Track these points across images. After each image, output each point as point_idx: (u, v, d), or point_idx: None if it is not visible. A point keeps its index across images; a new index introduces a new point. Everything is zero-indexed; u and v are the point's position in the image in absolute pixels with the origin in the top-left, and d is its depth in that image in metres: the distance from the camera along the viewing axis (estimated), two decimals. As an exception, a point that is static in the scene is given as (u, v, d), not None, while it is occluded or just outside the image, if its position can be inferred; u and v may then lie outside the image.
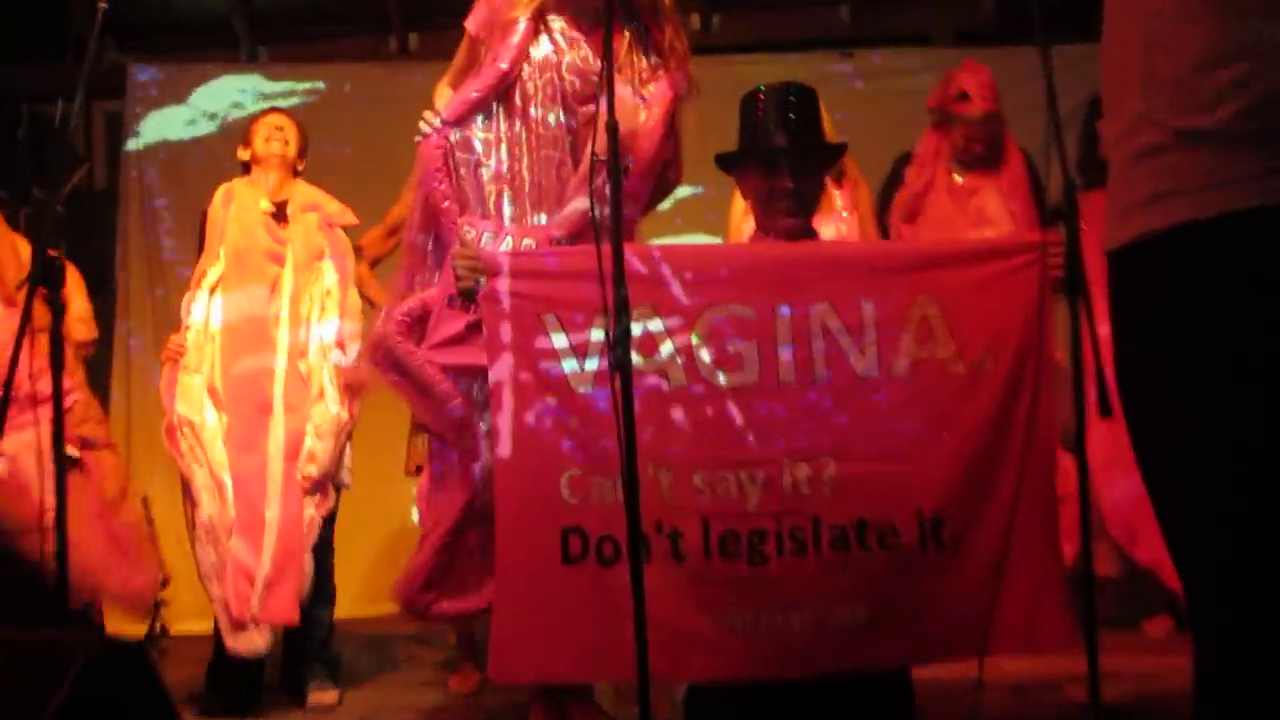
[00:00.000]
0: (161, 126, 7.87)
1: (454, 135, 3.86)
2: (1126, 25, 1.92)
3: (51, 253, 3.86)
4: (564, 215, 3.79)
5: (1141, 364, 1.91)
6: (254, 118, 5.47)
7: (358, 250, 5.38)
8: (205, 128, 7.84)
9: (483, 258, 3.53)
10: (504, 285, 3.46)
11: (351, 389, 5.03)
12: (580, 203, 3.73)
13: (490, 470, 3.56)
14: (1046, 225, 3.78)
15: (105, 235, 7.64)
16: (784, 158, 3.76)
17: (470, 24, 4.02)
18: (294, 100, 7.75)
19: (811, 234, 3.83)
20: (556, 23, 3.92)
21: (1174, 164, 1.85)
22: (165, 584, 5.83)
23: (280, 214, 5.21)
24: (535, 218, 3.83)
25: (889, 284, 3.51)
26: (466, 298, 3.57)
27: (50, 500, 4.10)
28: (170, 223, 7.64)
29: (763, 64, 7.88)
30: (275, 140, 5.29)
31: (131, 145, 7.84)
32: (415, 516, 4.30)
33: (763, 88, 3.88)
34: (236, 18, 8.22)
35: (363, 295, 5.25)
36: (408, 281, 3.88)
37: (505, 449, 3.40)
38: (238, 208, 5.19)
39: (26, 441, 4.68)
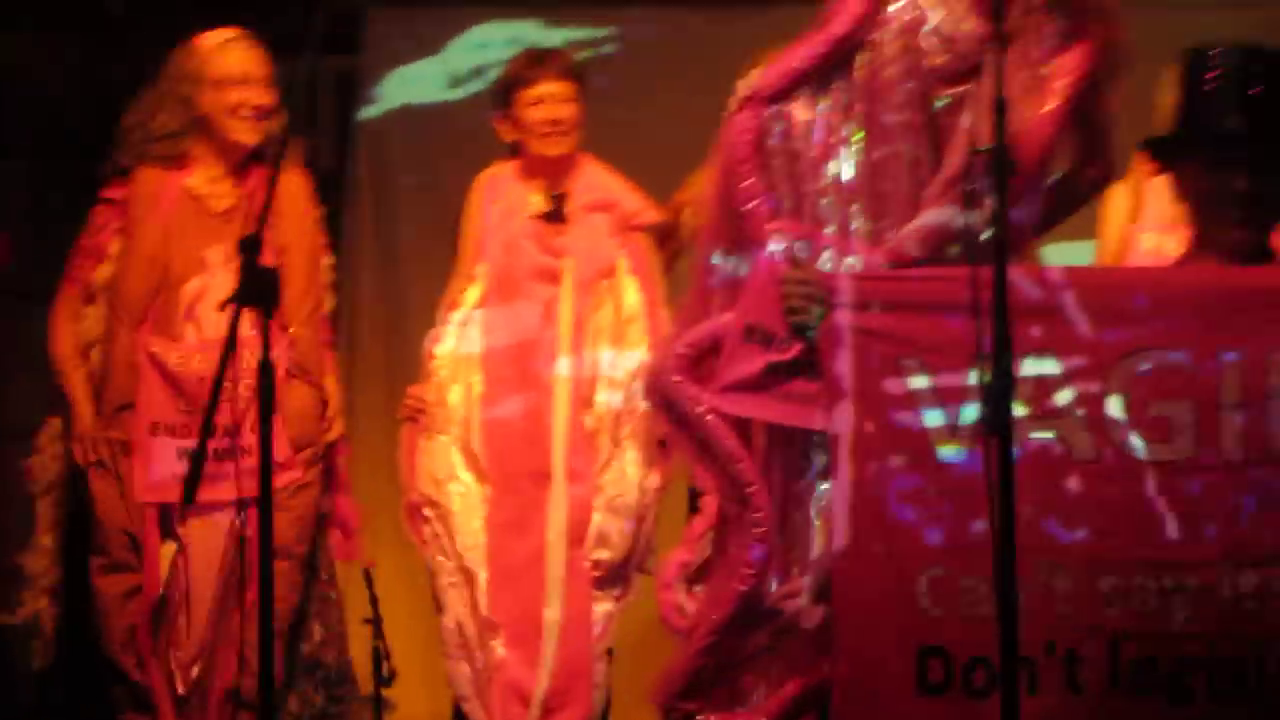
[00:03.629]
0: (407, 88, 8.09)
1: (772, 116, 3.82)
2: None
3: (266, 262, 4.02)
4: (922, 226, 3.74)
5: None
6: (518, 80, 5.48)
7: None
8: (464, 89, 8.02)
9: (822, 281, 3.57)
10: (848, 319, 3.51)
11: (663, 443, 5.08)
12: (944, 212, 3.70)
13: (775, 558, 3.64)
14: None
15: (331, 232, 7.83)
16: (1242, 148, 3.73)
17: None
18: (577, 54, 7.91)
19: (1270, 255, 3.76)
20: None
21: None
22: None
23: (558, 213, 5.32)
24: (881, 230, 3.78)
25: None
26: (798, 332, 3.61)
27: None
28: (420, 217, 7.76)
29: (1207, 9, 7.73)
30: (551, 110, 5.36)
31: (368, 112, 8.09)
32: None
33: (1212, 50, 3.82)
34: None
35: None
36: (698, 304, 3.90)
37: (842, 534, 3.44)
38: (502, 208, 5.31)
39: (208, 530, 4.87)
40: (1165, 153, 3.89)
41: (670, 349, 3.83)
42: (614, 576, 5.06)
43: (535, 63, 5.51)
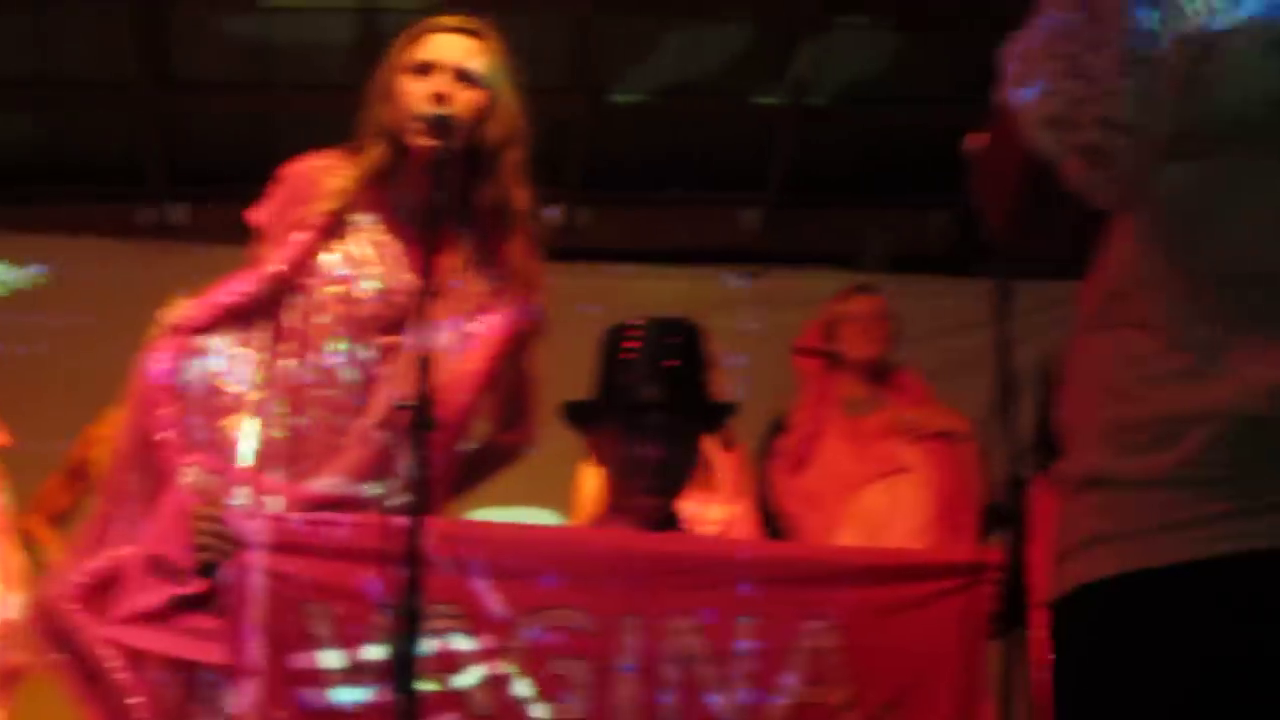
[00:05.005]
0: None
1: (194, 349, 3.73)
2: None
3: None
4: (339, 476, 3.73)
5: None
6: None
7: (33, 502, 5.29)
8: None
9: (232, 518, 3.50)
10: (259, 562, 3.44)
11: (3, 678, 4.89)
12: (364, 463, 3.69)
13: None
14: (986, 530, 3.85)
15: None
16: (654, 418, 3.83)
17: (258, 214, 3.90)
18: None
19: (677, 522, 3.86)
20: (367, 223, 3.84)
21: (1111, 504, 1.97)
22: None
23: None
24: (300, 473, 3.70)
25: (776, 599, 3.53)
26: (204, 568, 3.52)
27: None
28: None
29: (640, 277, 8.07)
30: None
31: None
32: None
33: (632, 322, 3.94)
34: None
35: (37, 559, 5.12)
36: (98, 532, 3.75)
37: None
38: None
39: None
40: (583, 418, 3.98)
41: (65, 577, 3.68)
42: None
43: None
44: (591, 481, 5.44)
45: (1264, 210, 1.95)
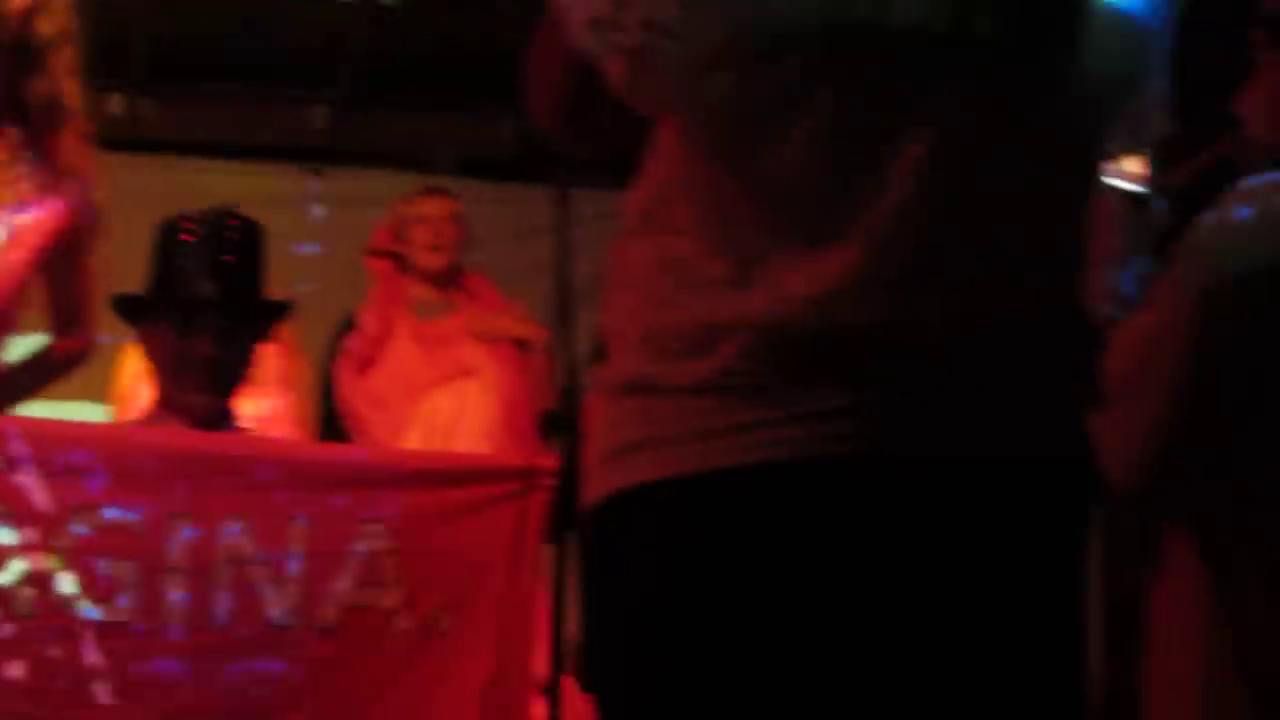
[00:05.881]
0: None
1: None
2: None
3: None
4: None
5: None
6: None
7: None
8: None
9: None
10: None
11: None
12: None
13: None
14: (545, 437, 3.91)
15: None
16: (208, 314, 3.77)
17: None
18: None
19: (230, 421, 3.83)
20: None
21: (648, 410, 2.00)
22: None
23: None
24: None
25: (329, 502, 3.52)
26: None
27: None
28: None
29: (205, 171, 7.94)
30: None
31: None
32: None
33: (188, 215, 3.88)
34: None
35: None
36: None
37: None
38: None
39: None
40: (135, 312, 3.91)
41: None
42: None
43: None
44: (130, 371, 5.39)
45: (811, 124, 1.96)
